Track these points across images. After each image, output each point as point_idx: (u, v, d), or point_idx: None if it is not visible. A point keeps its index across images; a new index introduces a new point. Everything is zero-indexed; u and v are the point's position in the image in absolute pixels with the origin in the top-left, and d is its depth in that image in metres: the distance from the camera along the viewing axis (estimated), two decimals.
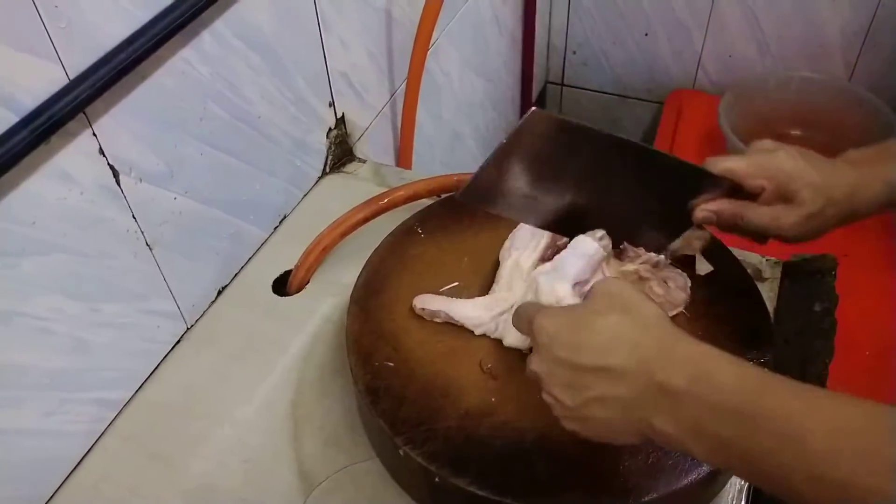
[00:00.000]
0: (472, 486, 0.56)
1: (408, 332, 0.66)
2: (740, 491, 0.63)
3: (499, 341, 0.65)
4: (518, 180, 0.62)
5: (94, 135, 0.60)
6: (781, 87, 1.47)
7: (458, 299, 0.68)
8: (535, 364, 0.50)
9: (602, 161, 0.62)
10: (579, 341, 0.48)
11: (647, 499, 0.55)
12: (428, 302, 0.68)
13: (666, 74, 1.69)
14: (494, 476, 0.56)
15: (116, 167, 0.62)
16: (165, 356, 0.75)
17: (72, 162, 0.58)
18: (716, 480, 0.60)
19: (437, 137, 1.30)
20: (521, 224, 0.71)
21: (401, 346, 0.65)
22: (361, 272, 0.72)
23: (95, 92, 0.57)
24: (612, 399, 0.46)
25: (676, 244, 0.68)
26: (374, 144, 1.04)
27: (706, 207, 0.63)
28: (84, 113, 0.58)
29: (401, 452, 0.59)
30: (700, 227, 0.67)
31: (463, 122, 1.42)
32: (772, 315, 0.74)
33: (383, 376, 0.63)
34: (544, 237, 0.69)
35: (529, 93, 1.70)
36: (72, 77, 0.56)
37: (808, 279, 0.78)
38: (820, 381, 0.85)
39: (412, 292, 0.69)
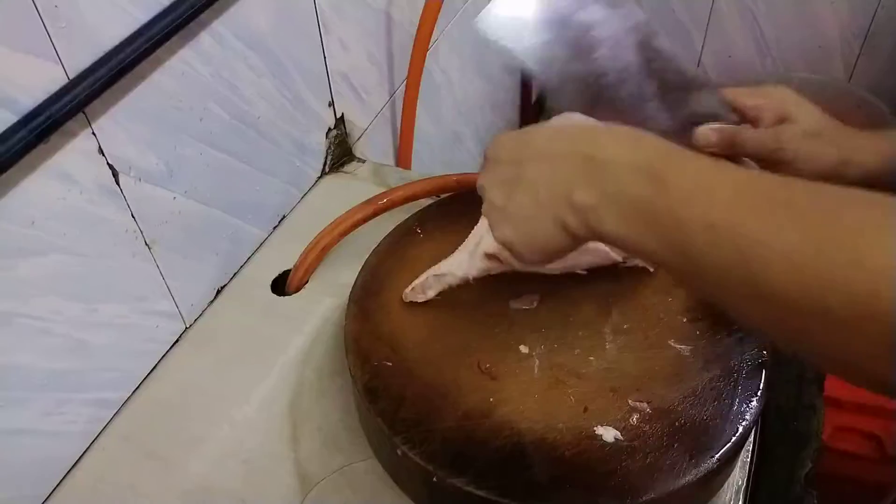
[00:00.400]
0: (470, 486, 0.56)
1: (406, 333, 0.67)
2: (738, 492, 0.63)
3: (498, 342, 0.65)
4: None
5: (94, 134, 0.60)
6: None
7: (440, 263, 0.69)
8: (481, 177, 0.52)
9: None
10: (524, 140, 0.50)
11: (644, 499, 0.55)
12: (414, 283, 0.68)
13: None
14: (493, 476, 0.56)
15: (116, 167, 0.63)
16: (164, 356, 0.75)
17: (71, 161, 0.58)
18: (713, 481, 0.60)
19: (437, 138, 1.30)
20: None
21: (399, 347, 0.65)
22: (360, 272, 0.72)
23: (95, 92, 0.57)
24: (538, 182, 0.47)
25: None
26: (373, 145, 1.05)
27: (709, 127, 0.64)
28: (83, 112, 0.58)
29: (399, 452, 0.59)
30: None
31: (463, 122, 1.42)
32: None
33: (382, 376, 0.63)
34: None
35: (529, 93, 1.70)
36: (71, 77, 0.56)
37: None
38: (818, 381, 0.85)
39: None
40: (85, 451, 0.68)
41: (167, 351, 0.75)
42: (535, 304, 0.68)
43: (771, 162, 0.62)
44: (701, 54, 1.61)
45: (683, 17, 1.57)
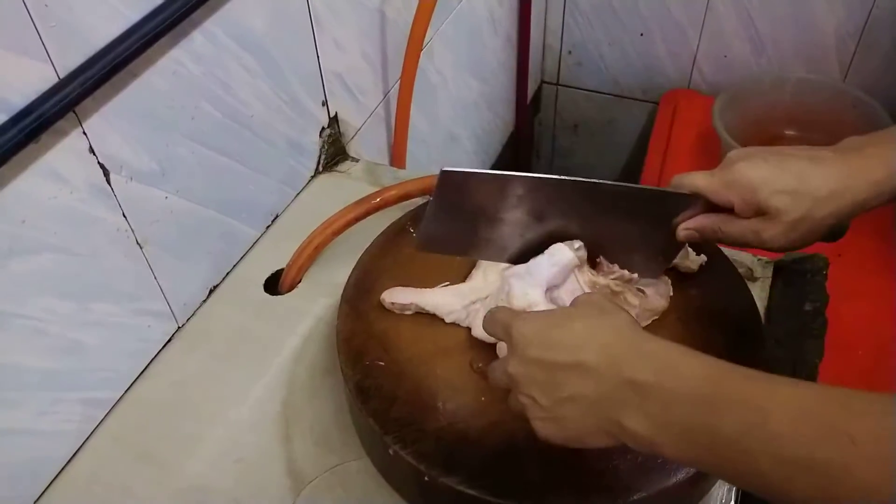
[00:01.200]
0: (462, 485, 0.56)
1: (398, 332, 0.66)
2: (730, 490, 0.63)
3: (491, 343, 0.65)
4: (466, 228, 0.63)
5: (84, 133, 0.60)
6: (776, 87, 1.47)
7: (428, 289, 0.69)
8: (512, 366, 0.50)
9: (554, 201, 0.62)
10: (554, 340, 0.48)
11: (636, 498, 0.55)
12: (396, 295, 0.68)
13: (661, 75, 1.69)
14: (485, 476, 0.56)
15: (107, 166, 0.62)
16: (156, 355, 0.75)
17: (62, 161, 0.58)
18: (705, 480, 0.60)
19: (432, 137, 1.30)
20: None
21: (391, 346, 0.65)
22: (353, 271, 0.72)
23: (85, 91, 0.57)
24: (583, 397, 0.47)
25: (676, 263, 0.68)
26: (367, 144, 1.04)
27: (686, 226, 0.62)
28: (74, 112, 0.58)
29: (391, 452, 0.59)
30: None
31: (458, 122, 1.42)
32: (763, 315, 0.74)
33: (374, 376, 0.63)
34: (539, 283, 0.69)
35: (525, 93, 1.70)
36: (62, 76, 0.56)
37: (799, 279, 0.79)
38: (811, 380, 0.85)
39: None
40: (77, 451, 0.68)
41: (159, 350, 0.75)
42: None
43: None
44: (696, 54, 1.61)
45: (680, 17, 1.57)
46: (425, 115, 1.24)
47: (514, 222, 0.63)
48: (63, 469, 0.67)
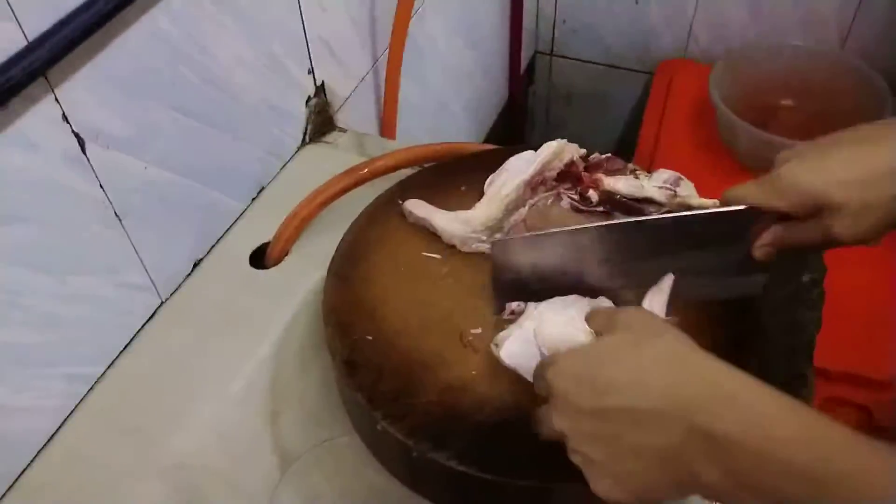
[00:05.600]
0: (451, 461, 0.54)
1: (387, 304, 0.65)
2: None
3: (481, 314, 0.64)
4: (535, 283, 0.60)
5: (57, 101, 0.57)
6: (773, 56, 1.45)
7: (442, 211, 0.68)
8: (557, 421, 0.45)
9: (607, 247, 0.58)
10: (603, 383, 0.43)
11: None
12: (416, 206, 0.68)
13: (656, 44, 1.66)
14: (474, 451, 0.55)
15: (82, 135, 0.60)
16: (140, 330, 0.73)
17: (34, 129, 0.56)
18: None
19: (423, 107, 1.27)
20: (514, 157, 0.69)
21: (379, 319, 0.64)
22: (340, 243, 0.70)
23: (56, 55, 0.54)
24: (646, 449, 0.41)
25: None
26: (356, 113, 1.02)
27: (761, 244, 0.56)
28: (46, 77, 0.55)
29: (379, 427, 0.57)
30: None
31: (450, 91, 1.39)
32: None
33: (361, 349, 0.61)
34: (533, 165, 0.66)
35: (518, 62, 1.67)
36: (30, 39, 0.53)
37: (796, 250, 0.77)
38: (808, 351, 0.84)
39: (392, 263, 0.67)
40: (59, 428, 0.66)
41: (143, 325, 0.73)
42: None
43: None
44: (692, 22, 1.58)
45: None
46: (416, 83, 1.21)
47: (577, 273, 0.59)
48: (45, 446, 0.65)
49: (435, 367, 0.60)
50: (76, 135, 0.60)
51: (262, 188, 0.86)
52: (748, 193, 0.55)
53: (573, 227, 0.57)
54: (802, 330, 0.72)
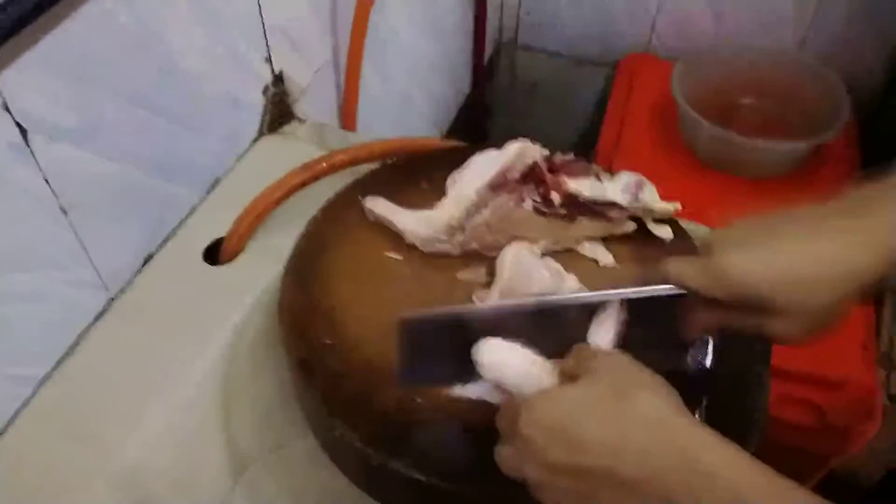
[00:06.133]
0: (410, 469, 0.53)
1: (347, 308, 0.63)
2: None
3: None
4: (445, 363, 0.56)
5: None
6: (733, 56, 1.46)
7: (404, 210, 0.66)
8: (528, 469, 0.44)
9: (533, 326, 0.54)
10: (579, 440, 0.42)
11: None
12: (377, 204, 0.67)
13: (619, 38, 1.67)
14: (433, 459, 0.54)
15: (24, 124, 0.57)
16: (87, 328, 0.70)
17: None
18: None
19: (385, 99, 1.25)
20: (477, 155, 0.68)
21: (338, 322, 0.62)
22: (298, 240, 0.68)
23: None
24: None
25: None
26: (315, 103, 0.99)
27: (692, 327, 0.54)
28: None
29: (336, 433, 0.56)
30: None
31: (413, 83, 1.37)
32: None
33: (319, 353, 0.60)
34: (495, 167, 0.65)
35: (482, 55, 1.66)
36: None
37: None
38: (765, 351, 0.84)
39: (352, 264, 0.66)
40: (1, 432, 0.63)
41: (91, 323, 0.70)
42: (484, 275, 0.65)
43: None
44: (655, 17, 1.59)
45: None
46: (378, 74, 1.19)
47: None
48: None
49: (394, 375, 0.59)
50: (18, 124, 0.56)
51: (218, 180, 0.83)
52: (689, 276, 0.52)
53: (490, 306, 0.56)
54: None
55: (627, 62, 1.64)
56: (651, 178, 0.68)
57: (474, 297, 0.62)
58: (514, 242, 0.64)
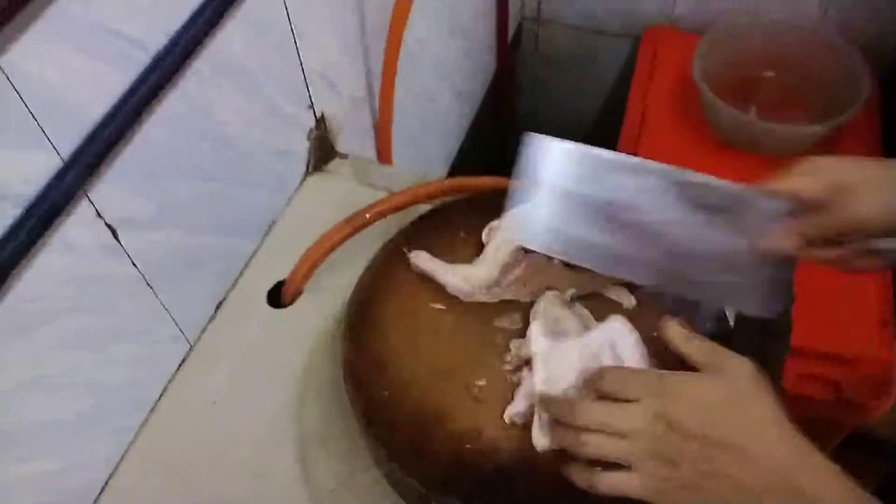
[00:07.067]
0: None
1: (397, 358, 0.71)
2: None
3: (485, 363, 0.70)
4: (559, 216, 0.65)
5: (91, 202, 0.62)
6: (754, 29, 1.47)
7: (447, 265, 0.74)
8: (651, 433, 0.51)
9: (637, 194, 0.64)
10: (723, 420, 0.49)
11: None
12: (421, 259, 0.75)
13: (641, 8, 1.68)
14: (483, 497, 0.63)
15: (113, 225, 0.65)
16: (172, 376, 0.80)
17: (72, 232, 0.61)
18: None
19: (413, 102, 1.29)
20: (510, 214, 0.74)
21: (391, 373, 0.70)
22: (351, 298, 0.76)
23: (90, 167, 0.59)
24: (734, 479, 0.48)
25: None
26: (351, 133, 1.05)
27: (788, 235, 0.62)
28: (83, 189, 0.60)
29: (396, 476, 0.65)
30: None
31: (438, 81, 1.41)
32: None
33: (377, 404, 0.68)
34: None
35: (506, 33, 1.68)
36: (65, 159, 0.58)
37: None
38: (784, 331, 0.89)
39: (400, 317, 0.74)
40: (111, 475, 0.73)
41: (175, 372, 0.80)
42: (519, 321, 0.73)
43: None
44: None
45: None
46: (406, 83, 1.23)
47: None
48: (101, 491, 0.72)
49: (443, 419, 0.67)
50: (109, 226, 0.65)
51: (272, 224, 0.91)
52: (796, 182, 0.61)
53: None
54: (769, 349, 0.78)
55: (650, 35, 1.65)
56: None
57: (511, 346, 0.71)
58: (546, 292, 0.72)
